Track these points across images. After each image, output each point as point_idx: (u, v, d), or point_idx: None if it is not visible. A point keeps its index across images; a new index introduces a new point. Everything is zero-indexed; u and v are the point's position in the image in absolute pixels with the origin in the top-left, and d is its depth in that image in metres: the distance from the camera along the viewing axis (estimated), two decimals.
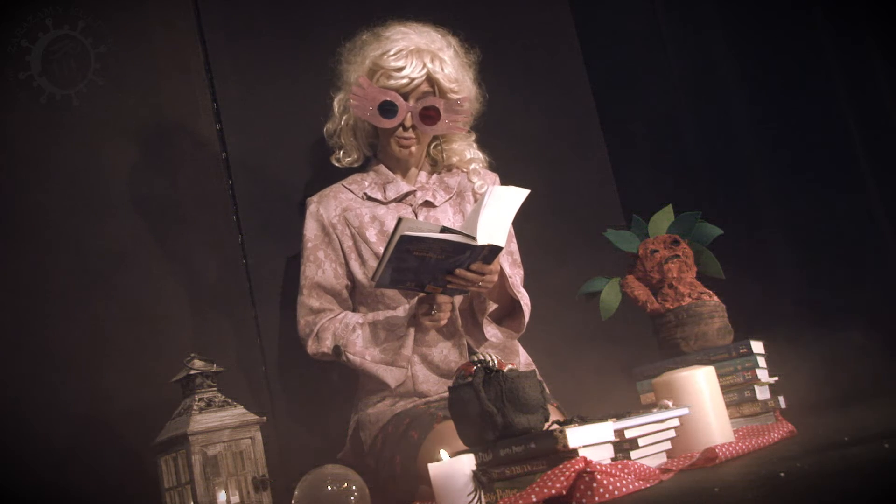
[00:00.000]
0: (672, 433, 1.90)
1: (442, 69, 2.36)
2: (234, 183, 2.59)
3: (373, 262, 2.37)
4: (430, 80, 2.36)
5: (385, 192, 2.45)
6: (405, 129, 2.38)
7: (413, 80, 2.34)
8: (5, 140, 2.39)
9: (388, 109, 2.34)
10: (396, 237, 2.01)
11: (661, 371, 2.14)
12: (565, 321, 2.72)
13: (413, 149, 2.41)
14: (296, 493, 1.78)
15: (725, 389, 2.14)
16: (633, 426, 1.79)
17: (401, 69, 2.33)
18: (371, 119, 2.36)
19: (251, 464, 1.88)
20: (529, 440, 1.68)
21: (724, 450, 1.78)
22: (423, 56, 2.34)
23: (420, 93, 2.36)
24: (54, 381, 2.30)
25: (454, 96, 2.38)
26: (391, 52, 2.34)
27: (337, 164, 2.51)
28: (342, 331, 2.33)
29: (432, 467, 1.67)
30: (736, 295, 2.44)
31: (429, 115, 2.36)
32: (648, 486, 1.63)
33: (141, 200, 2.49)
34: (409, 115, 2.36)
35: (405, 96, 2.35)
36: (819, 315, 2.66)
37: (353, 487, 1.78)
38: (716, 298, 2.35)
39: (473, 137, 2.56)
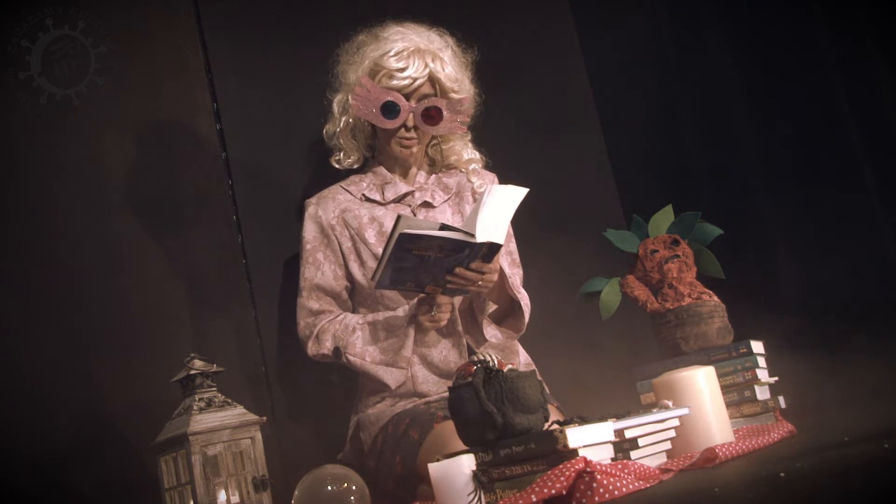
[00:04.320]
0: (672, 433, 1.90)
1: (443, 69, 2.36)
2: (234, 183, 2.59)
3: (372, 263, 2.37)
4: (432, 80, 2.36)
5: (383, 193, 2.44)
6: (407, 129, 2.37)
7: (415, 80, 2.34)
8: (5, 140, 2.39)
9: (390, 110, 2.34)
10: (395, 235, 2.00)
11: (661, 371, 2.14)
12: (565, 321, 2.72)
13: (414, 149, 2.41)
14: (296, 493, 1.78)
15: (725, 389, 2.14)
16: (633, 426, 1.79)
17: (403, 69, 2.33)
18: (373, 119, 2.35)
19: (251, 464, 1.88)
20: (529, 440, 1.69)
21: (724, 450, 1.78)
22: (424, 56, 2.34)
23: (421, 93, 2.36)
24: (54, 381, 2.30)
25: (455, 96, 2.38)
26: (391, 53, 2.34)
27: (337, 166, 2.50)
28: (342, 332, 2.33)
29: (432, 467, 1.67)
30: (736, 295, 2.44)
31: (430, 116, 2.35)
32: (648, 486, 1.63)
33: (141, 200, 2.49)
34: (410, 115, 2.36)
35: (407, 97, 2.35)
36: (819, 315, 2.66)
37: (353, 487, 1.78)
38: (716, 298, 2.35)
39: (469, 137, 2.55)
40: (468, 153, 2.53)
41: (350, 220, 2.41)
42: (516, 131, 2.90)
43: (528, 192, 2.08)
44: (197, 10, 2.63)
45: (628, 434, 1.78)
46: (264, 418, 1.93)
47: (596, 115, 3.08)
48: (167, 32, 2.60)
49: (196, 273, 2.52)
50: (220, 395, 1.92)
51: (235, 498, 1.85)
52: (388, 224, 2.39)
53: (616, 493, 1.56)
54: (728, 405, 2.10)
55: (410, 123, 2.36)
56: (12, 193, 2.38)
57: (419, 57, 2.34)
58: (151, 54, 2.57)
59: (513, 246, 2.54)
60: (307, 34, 2.73)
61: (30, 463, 2.23)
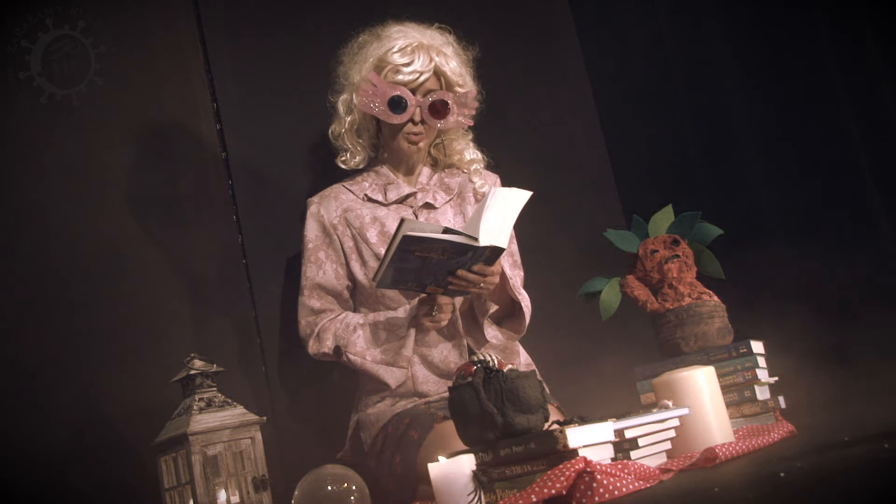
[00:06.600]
0: (672, 433, 1.90)
1: (447, 63, 2.36)
2: (234, 183, 2.59)
3: (373, 263, 2.37)
4: (437, 74, 2.36)
5: (385, 193, 2.44)
6: (414, 123, 2.37)
7: (421, 74, 2.33)
8: (5, 140, 2.39)
9: (397, 104, 2.33)
10: (398, 238, 2.00)
11: (661, 371, 2.14)
12: (565, 321, 2.72)
13: (421, 144, 2.41)
14: (296, 493, 1.78)
15: (725, 389, 2.14)
16: (633, 426, 1.79)
17: (409, 64, 2.32)
18: (380, 115, 2.35)
19: (251, 464, 1.88)
20: (529, 440, 1.69)
21: (724, 450, 1.78)
22: (429, 51, 2.34)
23: (427, 88, 2.36)
24: (54, 381, 2.30)
25: (460, 90, 2.38)
26: (395, 49, 2.34)
27: (343, 167, 2.48)
28: (343, 331, 2.33)
29: (432, 467, 1.67)
30: (736, 295, 2.44)
31: (437, 110, 2.35)
32: (648, 486, 1.63)
33: (141, 200, 2.49)
34: (417, 109, 2.35)
35: (413, 91, 2.35)
36: (819, 315, 2.66)
37: (353, 487, 1.78)
38: (716, 298, 2.35)
39: (471, 136, 2.56)
40: (470, 153, 2.53)
41: (352, 219, 2.41)
42: (516, 131, 2.90)
43: (531, 195, 2.08)
44: (197, 10, 2.63)
45: (628, 434, 1.78)
46: (264, 418, 1.93)
47: (596, 114, 3.08)
48: (167, 32, 2.60)
49: (196, 273, 2.52)
50: (220, 395, 1.92)
51: (235, 498, 1.85)
52: (390, 224, 2.39)
53: (616, 493, 1.56)
54: (728, 405, 2.10)
55: (418, 118, 2.36)
56: (12, 193, 2.37)
57: (423, 52, 2.34)
58: (151, 54, 2.57)
59: (514, 247, 2.54)
60: (307, 34, 2.73)
61: (30, 463, 2.23)
